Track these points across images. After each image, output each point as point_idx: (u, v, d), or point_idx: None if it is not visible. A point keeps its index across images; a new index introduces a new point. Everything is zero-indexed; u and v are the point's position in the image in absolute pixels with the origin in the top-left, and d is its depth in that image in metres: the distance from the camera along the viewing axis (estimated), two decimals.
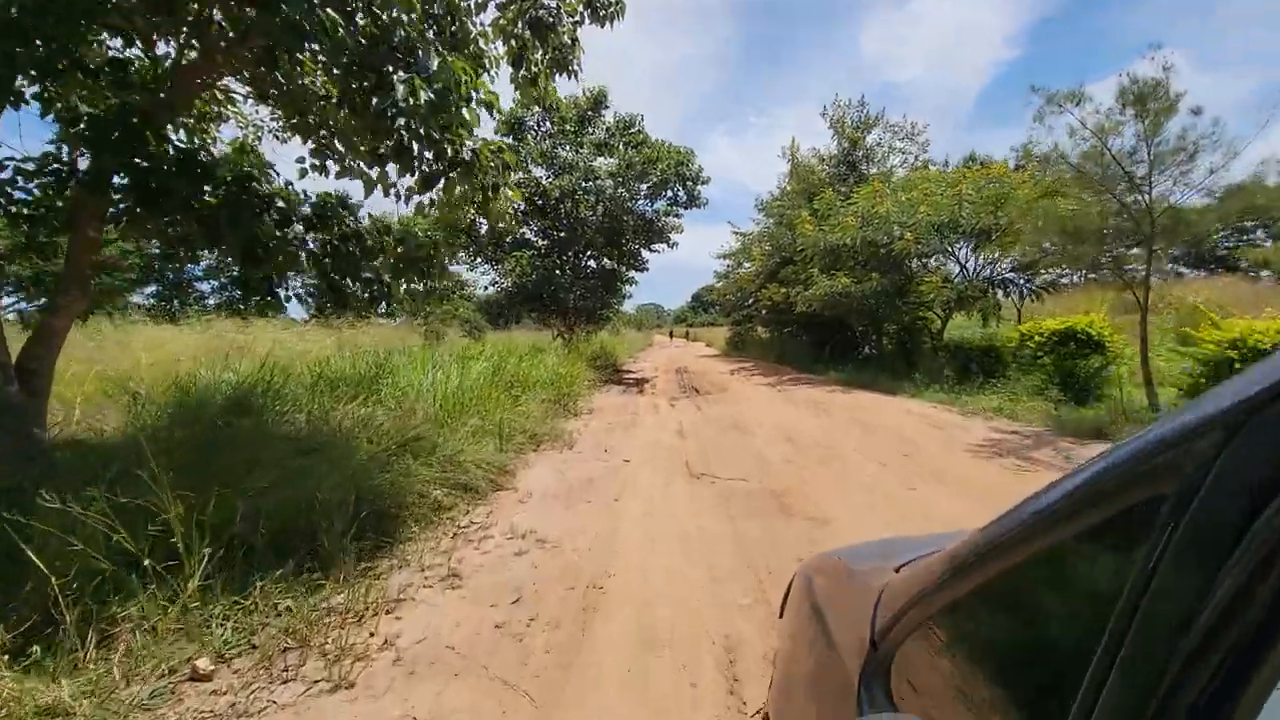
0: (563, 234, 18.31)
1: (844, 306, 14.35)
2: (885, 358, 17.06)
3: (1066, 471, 0.63)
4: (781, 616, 1.57)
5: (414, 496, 4.57)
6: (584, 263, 19.68)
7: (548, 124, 17.88)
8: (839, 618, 1.19)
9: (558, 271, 17.44)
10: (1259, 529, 0.39)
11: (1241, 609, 0.40)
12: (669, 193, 17.71)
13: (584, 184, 17.59)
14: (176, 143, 4.49)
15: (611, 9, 5.44)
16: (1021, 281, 12.94)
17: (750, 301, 28.75)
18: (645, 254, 19.80)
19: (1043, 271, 12.91)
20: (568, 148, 17.99)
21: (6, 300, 15.86)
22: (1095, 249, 8.47)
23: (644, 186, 17.69)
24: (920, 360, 15.62)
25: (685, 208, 18.22)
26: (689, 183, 17.66)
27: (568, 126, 17.52)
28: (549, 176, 17.24)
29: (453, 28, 4.50)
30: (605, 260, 19.95)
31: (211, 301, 31.03)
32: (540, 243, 18.88)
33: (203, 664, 2.56)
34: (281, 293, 4.85)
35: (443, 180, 4.19)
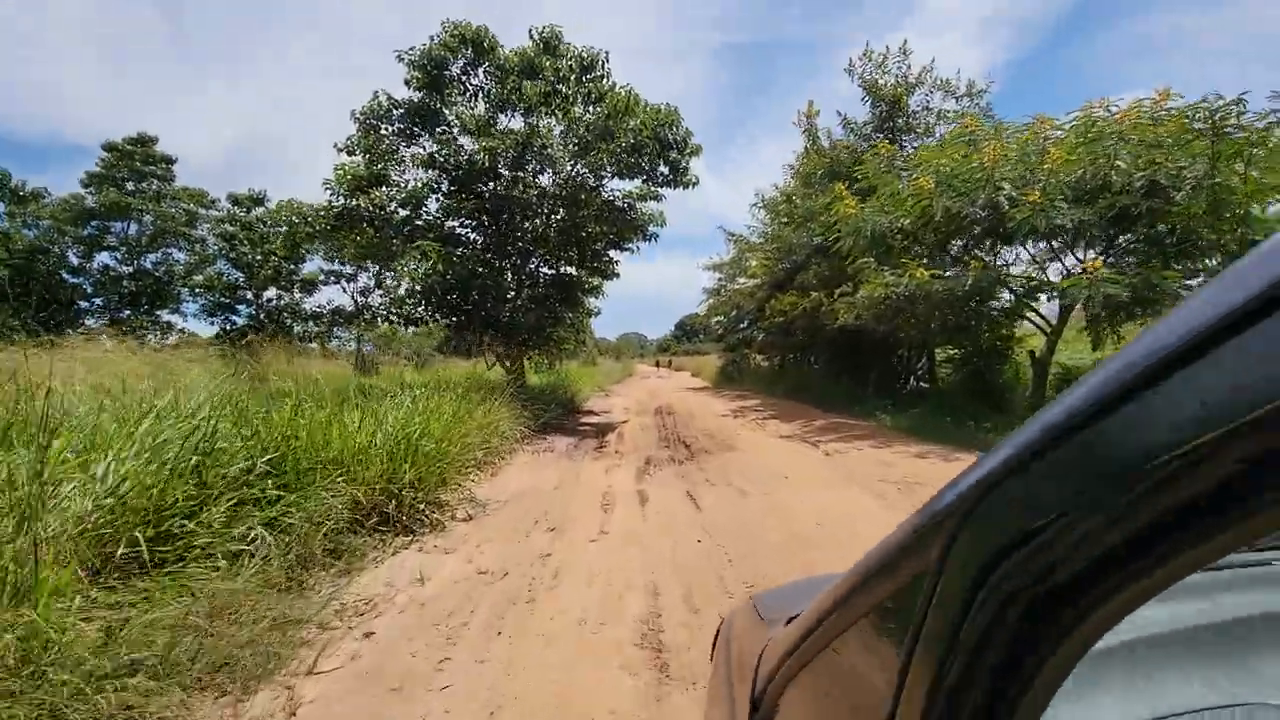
0: (498, 224, 13.26)
1: (909, 314, 9.36)
2: (946, 395, 12.07)
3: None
4: (711, 659, 1.49)
5: None
6: (532, 267, 14.65)
7: (481, 73, 12.96)
8: (738, 671, 1.16)
9: (485, 272, 12.30)
10: (974, 614, 0.44)
11: (970, 684, 0.44)
12: (645, 164, 12.79)
13: (525, 157, 12.63)
14: None
15: None
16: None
17: (746, 323, 23.85)
18: (614, 254, 14.83)
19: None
20: (515, 114, 13.09)
21: None
22: None
23: (610, 160, 12.78)
24: (1012, 399, 10.63)
25: (670, 185, 13.28)
26: (672, 151, 12.77)
27: (510, 82, 12.58)
28: (481, 152, 12.28)
29: None
30: (562, 265, 14.95)
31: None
32: (475, 238, 13.82)
33: None
34: None
35: None
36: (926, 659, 0.49)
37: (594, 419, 13.02)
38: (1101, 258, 7.84)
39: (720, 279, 23.97)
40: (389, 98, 12.39)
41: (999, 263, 9.83)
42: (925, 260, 9.06)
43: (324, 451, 4.47)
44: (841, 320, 10.33)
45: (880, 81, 13.93)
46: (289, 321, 26.62)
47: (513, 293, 13.32)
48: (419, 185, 13.09)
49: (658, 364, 62.45)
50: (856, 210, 10.13)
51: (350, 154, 12.91)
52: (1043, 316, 9.79)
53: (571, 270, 14.97)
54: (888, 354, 13.53)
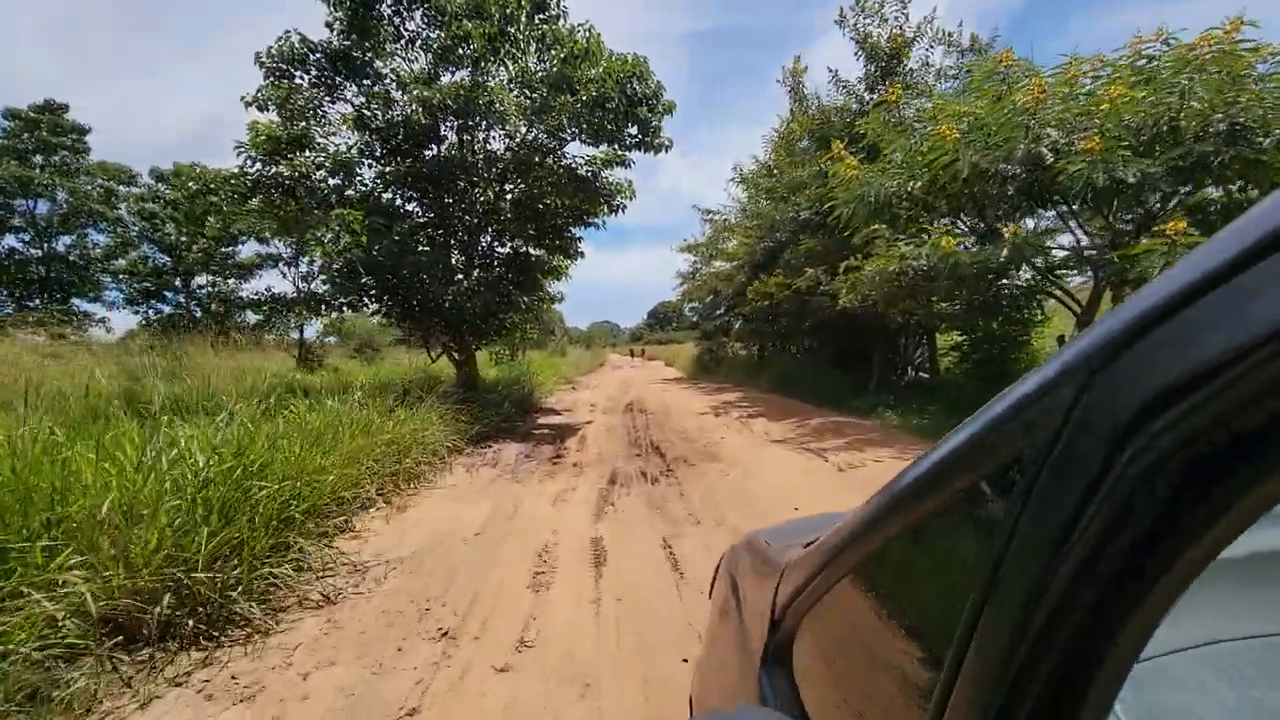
0: (441, 195, 11.34)
1: (926, 293, 7.85)
2: (955, 387, 10.64)
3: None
4: (710, 596, 1.52)
5: None
6: (485, 244, 12.79)
7: (418, 16, 10.98)
8: (751, 595, 1.16)
9: (426, 249, 10.41)
10: (1111, 481, 0.38)
11: (1101, 561, 0.39)
12: (610, 124, 11.00)
13: (471, 115, 10.73)
14: None
15: None
16: None
17: (723, 310, 22.29)
18: (577, 230, 13.05)
19: None
20: (461, 70, 11.14)
21: None
22: None
23: (570, 119, 10.97)
24: None
25: (640, 148, 11.53)
26: (641, 107, 11.01)
27: (453, 27, 10.60)
28: (414, 103, 10.35)
29: None
30: (518, 244, 13.11)
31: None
32: (415, 211, 11.88)
33: None
34: None
35: None
36: (1030, 550, 0.43)
37: (554, 419, 11.28)
38: (1184, 219, 6.33)
39: (695, 262, 22.30)
40: (301, 39, 10.35)
41: (1031, 230, 8.33)
42: (943, 230, 7.49)
43: (58, 508, 2.68)
44: (844, 302, 8.74)
45: (876, 33, 12.32)
46: (222, 310, 24.19)
47: (461, 274, 11.45)
48: (348, 150, 11.12)
49: (631, 353, 61.74)
50: (858, 172, 8.52)
51: (261, 109, 10.86)
52: (1069, 294, 8.35)
53: (529, 249, 13.15)
54: (886, 341, 12.04)
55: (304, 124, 11.03)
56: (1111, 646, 0.39)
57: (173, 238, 22.87)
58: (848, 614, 0.82)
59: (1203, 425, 0.33)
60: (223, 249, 23.29)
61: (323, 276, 9.49)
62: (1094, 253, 7.65)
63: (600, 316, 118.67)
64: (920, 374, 12.80)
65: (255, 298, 24.31)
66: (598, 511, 5.14)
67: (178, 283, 23.92)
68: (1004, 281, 7.66)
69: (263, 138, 10.62)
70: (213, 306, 23.77)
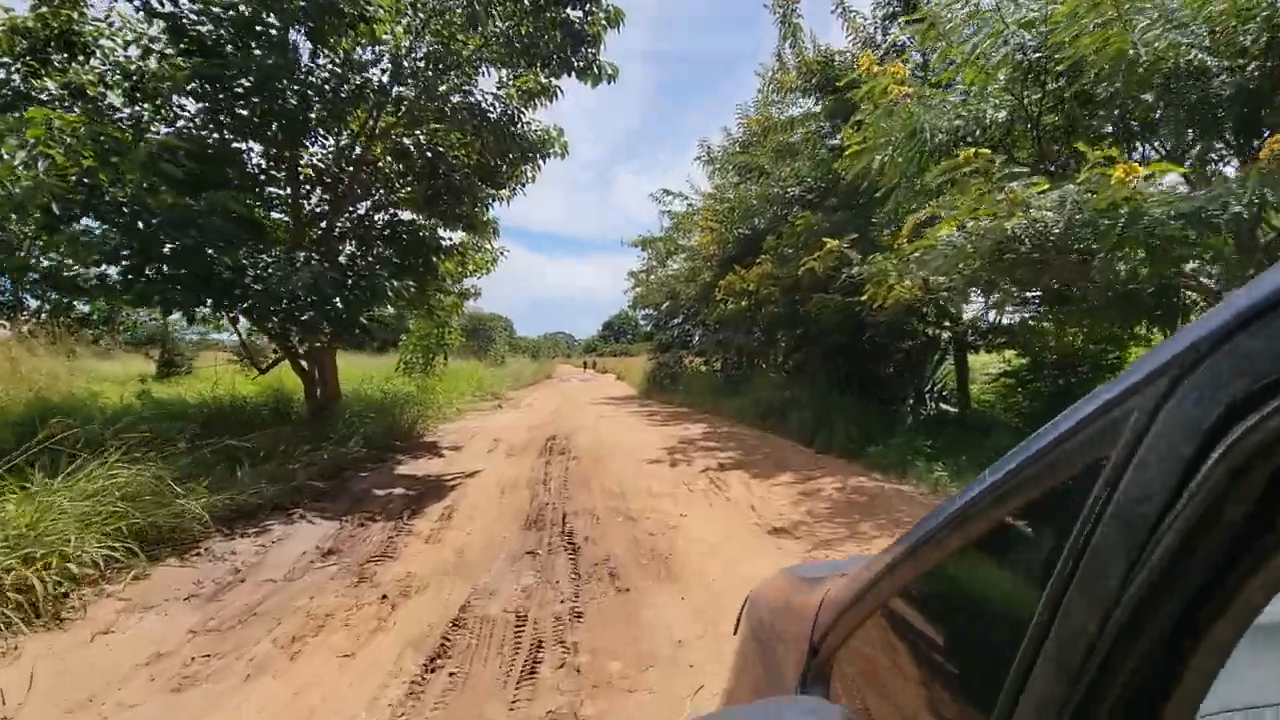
0: (266, 125, 7.50)
1: (1052, 270, 4.55)
2: (999, 426, 7.51)
3: None
4: (736, 633, 1.48)
5: None
6: (352, 207, 9.02)
7: None
8: (784, 627, 1.16)
9: (235, 197, 6.52)
10: (1195, 487, 0.37)
11: (1180, 571, 0.38)
12: (526, 31, 7.47)
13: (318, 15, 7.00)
14: None
15: None
16: None
17: (680, 318, 18.93)
18: (488, 191, 9.44)
19: None
20: None
21: None
22: None
23: (467, 23, 7.41)
24: None
25: (569, 71, 8.03)
26: (571, 7, 7.53)
27: None
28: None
29: None
30: (397, 213, 9.39)
31: None
32: (241, 149, 7.96)
33: None
34: None
35: None
36: (1109, 557, 0.43)
37: (427, 465, 7.52)
38: None
39: (649, 258, 18.82)
40: None
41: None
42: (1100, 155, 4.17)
43: None
44: (881, 296, 5.34)
45: None
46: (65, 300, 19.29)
47: (301, 253, 7.58)
48: (140, 50, 7.25)
49: (584, 365, 59.19)
50: (913, 95, 5.17)
51: None
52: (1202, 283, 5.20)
53: (417, 218, 9.43)
54: (912, 359, 8.80)
55: (68, 12, 7.18)
56: (1193, 656, 0.38)
57: None
58: (896, 636, 0.80)
59: None
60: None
61: None
62: None
63: (555, 327, 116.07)
64: (942, 404, 9.63)
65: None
66: None
67: None
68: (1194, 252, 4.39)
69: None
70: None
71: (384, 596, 3.47)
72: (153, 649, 2.74)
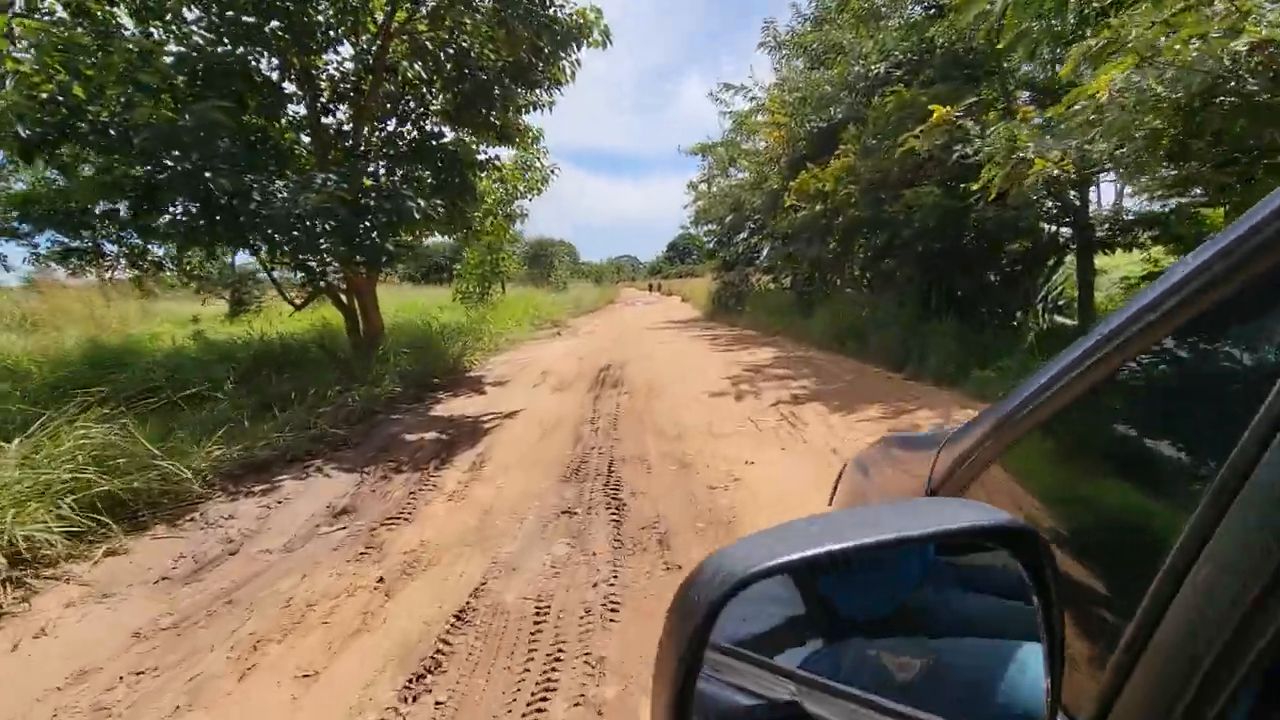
0: (275, 34, 6.63)
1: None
2: None
3: None
4: (830, 504, 1.46)
5: None
6: (375, 125, 8.20)
7: None
8: (892, 483, 1.14)
9: (230, 110, 5.81)
10: None
11: None
12: None
13: None
14: None
15: None
16: None
17: (745, 233, 17.46)
18: (522, 93, 8.36)
19: None
20: None
21: None
22: None
23: None
24: None
25: None
26: None
27: None
28: None
29: None
30: (427, 123, 8.46)
31: None
32: (259, 67, 7.19)
33: None
34: None
35: None
36: None
37: (467, 402, 6.93)
38: None
39: (709, 167, 17.18)
40: None
41: None
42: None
43: None
44: (1037, 169, 3.98)
45: None
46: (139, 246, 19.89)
47: (320, 176, 6.86)
48: None
49: (650, 287, 58.70)
50: None
51: None
52: None
53: (444, 130, 8.50)
54: (1021, 262, 7.36)
55: None
56: None
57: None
58: (1027, 476, 0.76)
59: None
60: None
61: None
62: None
63: (621, 251, 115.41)
64: (1057, 317, 8.16)
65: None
66: None
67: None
68: None
69: None
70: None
71: (380, 580, 2.84)
72: (79, 663, 2.20)
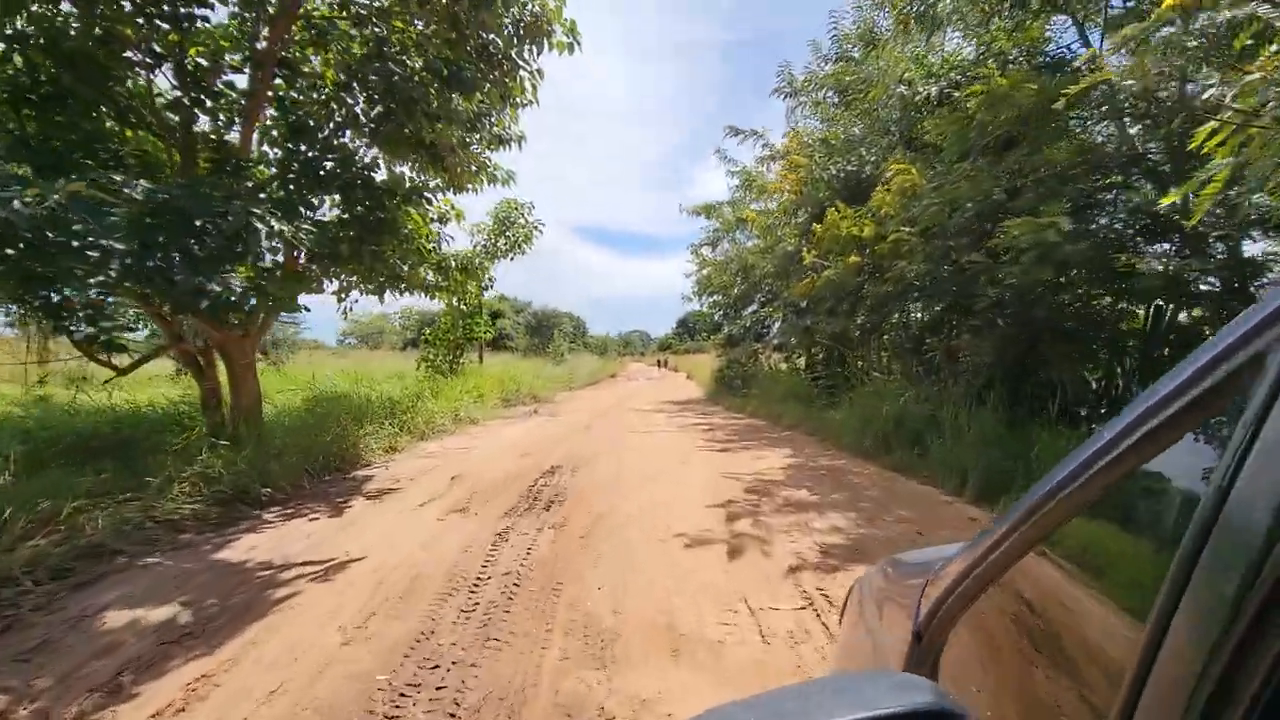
0: None
1: None
2: None
3: None
4: (840, 623, 1.44)
5: None
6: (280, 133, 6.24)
7: None
8: (887, 616, 1.14)
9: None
10: None
11: None
12: None
13: None
14: None
15: None
16: None
17: (752, 306, 15.41)
18: (471, 102, 6.40)
19: None
20: None
21: None
22: None
23: None
24: None
25: None
26: None
27: None
28: None
29: None
30: (353, 141, 6.51)
31: None
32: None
33: None
34: None
35: None
36: (1246, 511, 0.38)
37: (278, 540, 4.51)
38: None
39: (715, 229, 15.27)
40: None
41: None
42: None
43: None
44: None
45: None
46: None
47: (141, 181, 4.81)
48: None
49: (658, 363, 56.99)
50: None
51: None
52: None
53: (361, 146, 6.51)
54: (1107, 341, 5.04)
55: None
56: None
57: None
58: (1006, 615, 0.77)
59: None
60: None
61: None
62: None
63: (634, 325, 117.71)
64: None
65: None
66: None
67: None
68: None
69: None
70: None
71: None
72: None
